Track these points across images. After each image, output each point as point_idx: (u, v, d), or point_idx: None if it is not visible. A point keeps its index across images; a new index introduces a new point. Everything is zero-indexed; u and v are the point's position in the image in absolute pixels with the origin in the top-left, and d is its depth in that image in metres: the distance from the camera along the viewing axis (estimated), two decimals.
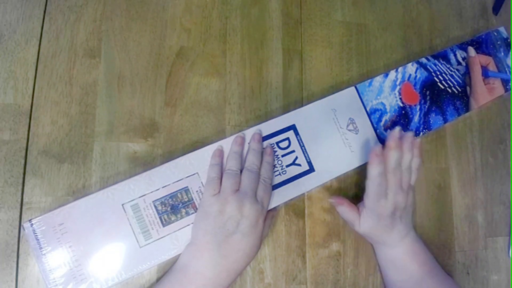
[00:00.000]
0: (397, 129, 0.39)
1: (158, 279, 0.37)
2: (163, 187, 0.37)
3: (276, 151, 0.40)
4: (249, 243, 0.35)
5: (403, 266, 0.40)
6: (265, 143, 0.40)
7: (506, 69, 0.50)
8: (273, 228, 0.42)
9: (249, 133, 0.40)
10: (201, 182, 0.38)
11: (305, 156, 0.41)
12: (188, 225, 0.37)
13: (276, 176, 0.40)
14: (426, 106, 0.46)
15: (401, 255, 0.40)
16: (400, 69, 0.46)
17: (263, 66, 0.45)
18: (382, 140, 0.43)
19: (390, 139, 0.39)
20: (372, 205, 0.39)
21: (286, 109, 0.44)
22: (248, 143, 0.39)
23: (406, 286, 0.40)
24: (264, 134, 0.40)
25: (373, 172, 0.38)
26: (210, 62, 0.43)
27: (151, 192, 0.37)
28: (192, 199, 0.37)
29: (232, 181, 0.36)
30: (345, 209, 0.41)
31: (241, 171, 0.38)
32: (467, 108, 0.48)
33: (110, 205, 0.36)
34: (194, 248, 0.35)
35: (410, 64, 0.46)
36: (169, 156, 0.40)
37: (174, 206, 0.37)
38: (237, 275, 0.36)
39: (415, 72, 0.46)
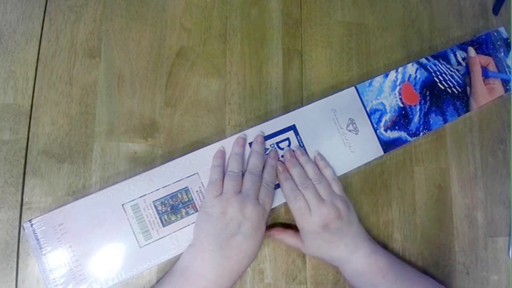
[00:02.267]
0: (286, 149, 0.40)
1: (158, 279, 0.37)
2: (163, 187, 0.37)
3: (276, 151, 0.40)
4: (250, 245, 0.35)
5: (367, 280, 0.38)
6: (266, 143, 0.40)
7: (506, 69, 0.50)
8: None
9: (250, 133, 0.40)
10: (201, 182, 0.38)
11: None
12: (188, 225, 0.37)
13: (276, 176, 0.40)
14: (426, 107, 0.46)
15: (360, 269, 0.38)
16: (400, 69, 0.46)
17: (263, 66, 0.45)
18: (382, 141, 0.43)
19: (285, 160, 0.40)
20: (301, 224, 0.38)
21: (286, 109, 0.44)
22: (249, 143, 0.39)
23: None
24: (264, 135, 0.40)
25: (285, 189, 0.38)
26: (210, 62, 0.43)
27: (151, 192, 0.37)
28: (192, 199, 0.37)
29: (234, 183, 0.36)
30: (283, 237, 0.40)
31: (243, 173, 0.38)
32: (467, 108, 0.48)
33: (110, 205, 0.36)
34: (196, 249, 0.35)
35: (410, 64, 0.46)
36: (169, 156, 0.40)
37: (174, 206, 0.37)
38: (239, 277, 0.36)
39: (415, 72, 0.46)
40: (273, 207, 0.39)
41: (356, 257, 0.38)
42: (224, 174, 0.37)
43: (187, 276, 0.34)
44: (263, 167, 0.39)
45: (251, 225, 0.35)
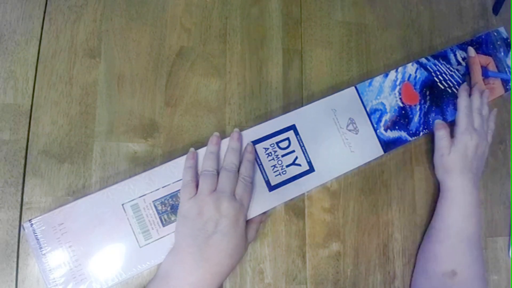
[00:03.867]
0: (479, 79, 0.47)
1: None
2: (163, 187, 0.37)
3: (276, 151, 0.40)
4: (230, 243, 0.34)
5: (458, 215, 0.43)
6: (265, 143, 0.40)
7: (506, 69, 0.50)
8: (273, 228, 0.42)
9: (250, 133, 0.40)
10: None
11: (305, 156, 0.41)
12: None
13: (276, 176, 0.40)
14: (426, 106, 0.46)
15: (463, 204, 0.43)
16: (400, 69, 0.46)
17: (263, 66, 0.45)
18: (382, 141, 0.43)
19: (475, 89, 0.46)
20: (462, 131, 0.43)
21: (286, 109, 0.44)
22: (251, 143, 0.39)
23: (451, 231, 0.42)
24: (264, 134, 0.40)
25: (463, 103, 0.45)
26: (210, 62, 0.43)
27: (151, 192, 0.37)
28: None
29: (209, 182, 0.35)
30: (444, 134, 0.44)
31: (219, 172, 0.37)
32: None
33: (110, 205, 0.36)
34: (175, 253, 0.34)
35: (410, 64, 0.46)
36: (169, 156, 0.40)
37: (174, 206, 0.37)
38: (223, 279, 0.34)
39: (415, 72, 0.46)
40: (272, 207, 0.39)
41: (471, 196, 0.43)
42: (197, 175, 0.37)
43: (168, 281, 0.33)
44: (240, 163, 0.38)
45: (228, 222, 0.34)
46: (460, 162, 0.43)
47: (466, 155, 0.43)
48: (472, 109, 0.45)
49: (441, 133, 0.44)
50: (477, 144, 0.43)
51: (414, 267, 0.45)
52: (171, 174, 0.37)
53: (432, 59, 0.47)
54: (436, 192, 0.47)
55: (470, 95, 0.46)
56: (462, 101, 0.45)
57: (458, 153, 0.43)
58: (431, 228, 0.45)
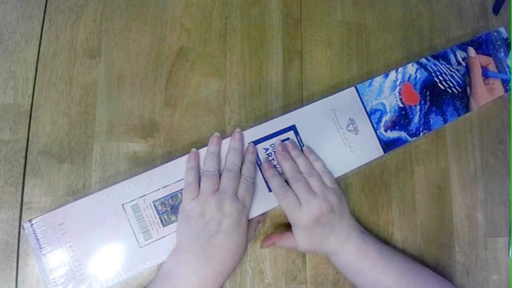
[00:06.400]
0: (277, 143, 0.40)
1: None
2: (163, 187, 0.37)
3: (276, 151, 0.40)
4: (233, 243, 0.34)
5: (356, 270, 0.38)
6: (266, 143, 0.40)
7: (506, 69, 0.50)
8: (273, 228, 0.42)
9: (250, 133, 0.40)
10: None
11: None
12: None
13: None
14: (426, 107, 0.46)
15: (349, 259, 0.38)
16: (400, 69, 0.46)
17: (263, 66, 0.45)
18: (382, 141, 0.43)
19: (276, 154, 0.40)
20: (293, 220, 0.38)
21: (286, 109, 0.44)
22: (249, 143, 0.39)
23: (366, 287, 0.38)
24: (264, 134, 0.40)
25: (273, 186, 0.38)
26: (210, 62, 0.43)
27: (151, 192, 0.37)
28: None
29: (211, 183, 0.35)
30: (281, 242, 0.39)
31: (221, 172, 0.37)
32: (467, 108, 0.48)
33: (110, 205, 0.36)
34: (178, 252, 0.35)
35: (410, 65, 0.46)
36: (169, 156, 0.40)
37: (174, 206, 0.37)
38: (225, 279, 0.35)
39: (415, 73, 0.46)
40: (272, 207, 0.39)
41: (345, 247, 0.38)
42: (199, 175, 0.37)
43: (170, 280, 0.33)
44: (242, 163, 0.38)
45: (231, 222, 0.34)
46: (313, 245, 0.38)
47: (313, 237, 0.38)
48: (290, 181, 0.38)
49: (279, 245, 0.40)
50: (315, 217, 0.37)
51: None
52: (171, 174, 0.37)
53: (432, 59, 0.47)
54: (436, 192, 0.47)
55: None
56: (271, 184, 0.39)
57: (304, 241, 0.38)
58: None
